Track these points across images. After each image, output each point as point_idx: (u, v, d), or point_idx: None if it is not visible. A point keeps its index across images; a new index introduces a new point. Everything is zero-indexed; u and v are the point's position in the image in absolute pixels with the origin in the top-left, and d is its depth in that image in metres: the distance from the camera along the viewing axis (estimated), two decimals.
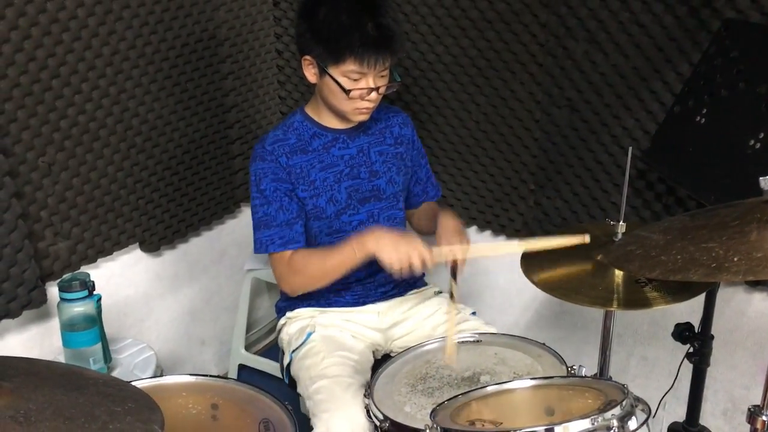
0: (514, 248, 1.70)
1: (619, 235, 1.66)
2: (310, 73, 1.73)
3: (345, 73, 1.66)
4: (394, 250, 1.61)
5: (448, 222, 1.78)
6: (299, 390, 1.78)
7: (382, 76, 1.70)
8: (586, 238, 1.61)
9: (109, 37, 2.00)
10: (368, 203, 1.85)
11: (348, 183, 1.82)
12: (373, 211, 1.86)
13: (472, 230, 2.50)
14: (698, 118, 1.73)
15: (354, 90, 1.67)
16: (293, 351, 1.84)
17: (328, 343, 1.81)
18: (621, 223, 1.66)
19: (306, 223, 1.82)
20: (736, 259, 1.09)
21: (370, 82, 1.68)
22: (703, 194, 1.67)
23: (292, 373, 1.84)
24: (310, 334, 1.84)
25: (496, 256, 1.77)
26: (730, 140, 1.63)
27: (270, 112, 2.64)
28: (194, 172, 2.36)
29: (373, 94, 1.70)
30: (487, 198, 2.39)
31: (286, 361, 1.88)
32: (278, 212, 1.76)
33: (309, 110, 1.83)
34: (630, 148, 1.63)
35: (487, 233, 2.47)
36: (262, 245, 1.77)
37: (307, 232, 1.83)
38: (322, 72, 1.69)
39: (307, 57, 1.71)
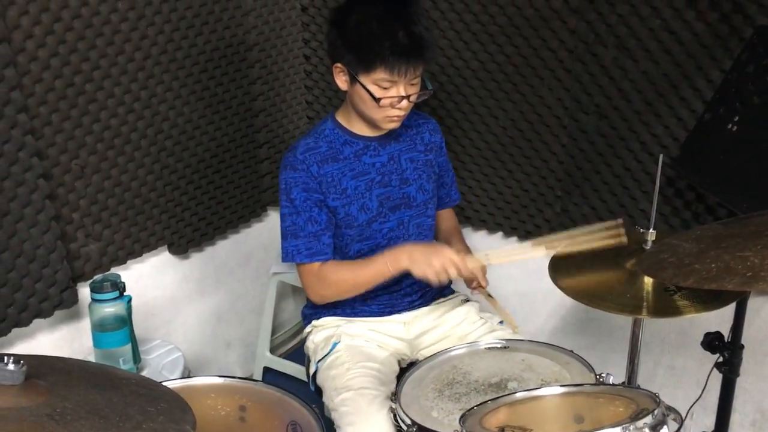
0: (542, 252, 1.70)
1: (649, 243, 1.65)
2: (341, 81, 1.72)
3: (375, 81, 1.66)
4: (428, 265, 1.67)
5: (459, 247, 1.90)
6: (324, 400, 1.78)
7: (413, 84, 1.69)
8: (623, 239, 1.61)
9: (141, 42, 2.02)
10: (399, 211, 1.85)
11: (379, 191, 1.82)
12: (403, 218, 1.86)
13: (498, 236, 2.50)
14: (730, 126, 1.72)
15: (384, 98, 1.67)
16: (319, 360, 1.85)
17: (354, 354, 1.80)
18: (651, 230, 1.64)
19: (337, 231, 1.82)
20: None
21: (401, 90, 1.67)
22: (735, 202, 1.65)
23: (318, 382, 1.84)
24: (335, 345, 1.83)
25: (523, 259, 1.78)
26: (762, 148, 1.62)
27: (297, 117, 2.65)
28: (222, 176, 2.38)
29: (404, 102, 1.69)
30: (513, 204, 2.38)
31: (312, 370, 1.88)
32: (307, 223, 1.76)
33: (340, 117, 1.82)
34: (661, 156, 1.62)
35: (513, 239, 2.47)
36: (288, 254, 1.78)
37: (339, 239, 1.83)
38: (353, 80, 1.68)
39: (338, 64, 1.70)
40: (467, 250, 1.95)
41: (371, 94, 1.66)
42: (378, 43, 1.61)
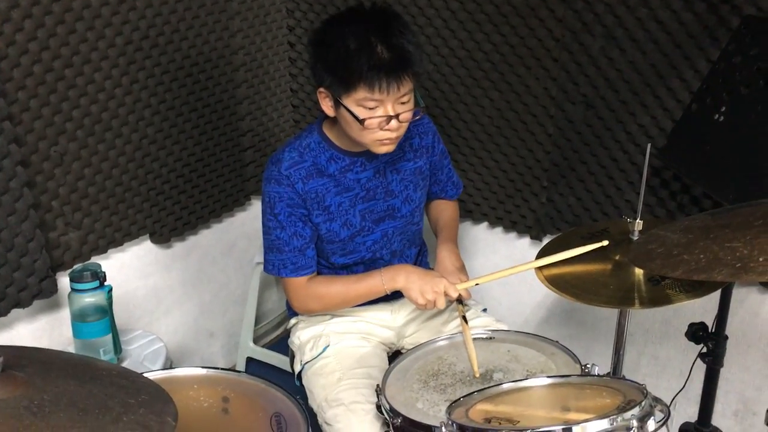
0: (530, 266, 1.68)
1: (636, 233, 1.64)
2: (327, 107, 1.62)
3: (358, 101, 1.54)
4: (420, 294, 1.67)
5: (446, 263, 1.83)
6: (311, 404, 1.75)
7: (403, 103, 1.57)
8: (604, 243, 1.63)
9: (122, 27, 1.99)
10: (383, 222, 1.79)
11: (362, 206, 1.76)
12: (388, 230, 1.81)
13: (483, 226, 2.49)
14: (717, 116, 1.71)
15: (369, 119, 1.54)
16: (306, 363, 1.81)
17: (344, 359, 1.77)
18: (638, 220, 1.64)
19: (319, 245, 1.78)
20: (761, 259, 1.08)
21: (388, 109, 1.55)
22: (722, 193, 1.65)
23: (304, 383, 1.82)
24: (325, 348, 1.80)
25: (512, 274, 1.76)
26: (749, 138, 1.61)
27: (281, 105, 2.63)
28: (205, 164, 2.35)
29: (393, 123, 1.56)
30: (499, 194, 2.37)
31: (297, 369, 1.86)
32: (292, 238, 1.70)
33: (327, 130, 1.72)
34: (649, 145, 1.61)
35: (499, 230, 2.46)
36: (274, 267, 1.74)
37: (321, 252, 1.79)
38: (337, 104, 1.58)
39: (321, 89, 1.60)
40: (455, 247, 1.89)
41: (355, 116, 1.55)
42: (355, 60, 1.49)
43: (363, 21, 1.54)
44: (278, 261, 1.73)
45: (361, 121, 1.55)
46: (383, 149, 1.63)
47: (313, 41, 1.62)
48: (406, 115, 1.58)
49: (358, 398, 1.65)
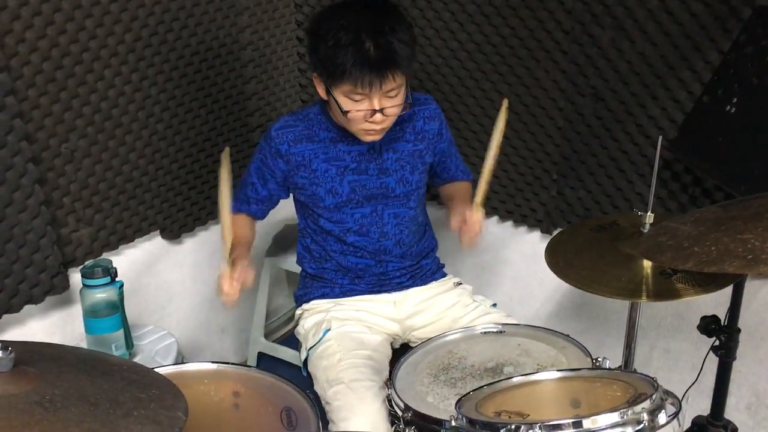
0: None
1: (647, 226, 1.63)
2: (321, 91, 1.68)
3: (345, 93, 1.60)
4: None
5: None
6: (316, 389, 1.76)
7: (391, 97, 1.61)
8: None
9: (131, 24, 1.99)
10: (375, 200, 1.82)
11: (352, 177, 1.79)
12: (378, 207, 1.83)
13: (493, 220, 2.49)
14: (728, 108, 1.70)
15: (352, 111, 1.60)
16: (310, 348, 1.83)
17: (345, 342, 1.78)
18: (649, 213, 1.63)
19: (307, 210, 1.86)
20: None
21: (374, 103, 1.60)
22: (734, 185, 1.64)
23: (309, 369, 1.83)
24: (326, 332, 1.82)
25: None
26: (761, 130, 1.60)
27: (290, 100, 2.62)
28: (215, 160, 2.35)
29: (377, 116, 1.61)
30: (509, 188, 2.37)
31: (303, 357, 1.87)
32: (247, 186, 1.86)
33: (328, 108, 1.77)
34: (660, 138, 1.60)
35: (509, 224, 2.46)
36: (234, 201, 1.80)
37: (310, 215, 1.85)
38: (327, 91, 1.64)
39: (315, 74, 1.66)
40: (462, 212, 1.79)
41: (340, 107, 1.61)
42: (342, 55, 1.54)
43: (357, 15, 1.58)
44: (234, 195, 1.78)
45: (345, 113, 1.61)
46: (368, 138, 1.69)
47: (308, 30, 1.67)
48: (392, 110, 1.63)
49: (358, 376, 1.67)
